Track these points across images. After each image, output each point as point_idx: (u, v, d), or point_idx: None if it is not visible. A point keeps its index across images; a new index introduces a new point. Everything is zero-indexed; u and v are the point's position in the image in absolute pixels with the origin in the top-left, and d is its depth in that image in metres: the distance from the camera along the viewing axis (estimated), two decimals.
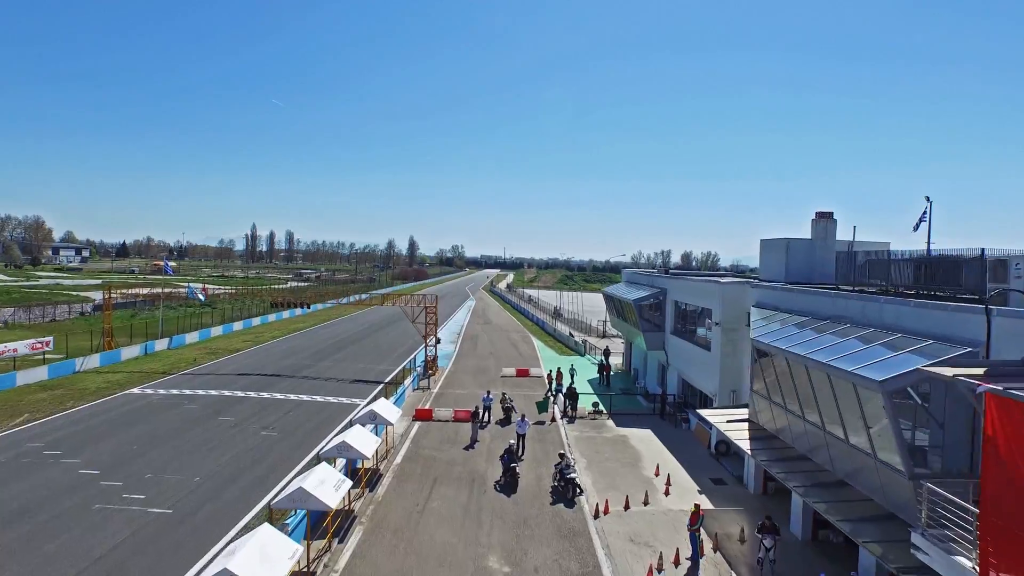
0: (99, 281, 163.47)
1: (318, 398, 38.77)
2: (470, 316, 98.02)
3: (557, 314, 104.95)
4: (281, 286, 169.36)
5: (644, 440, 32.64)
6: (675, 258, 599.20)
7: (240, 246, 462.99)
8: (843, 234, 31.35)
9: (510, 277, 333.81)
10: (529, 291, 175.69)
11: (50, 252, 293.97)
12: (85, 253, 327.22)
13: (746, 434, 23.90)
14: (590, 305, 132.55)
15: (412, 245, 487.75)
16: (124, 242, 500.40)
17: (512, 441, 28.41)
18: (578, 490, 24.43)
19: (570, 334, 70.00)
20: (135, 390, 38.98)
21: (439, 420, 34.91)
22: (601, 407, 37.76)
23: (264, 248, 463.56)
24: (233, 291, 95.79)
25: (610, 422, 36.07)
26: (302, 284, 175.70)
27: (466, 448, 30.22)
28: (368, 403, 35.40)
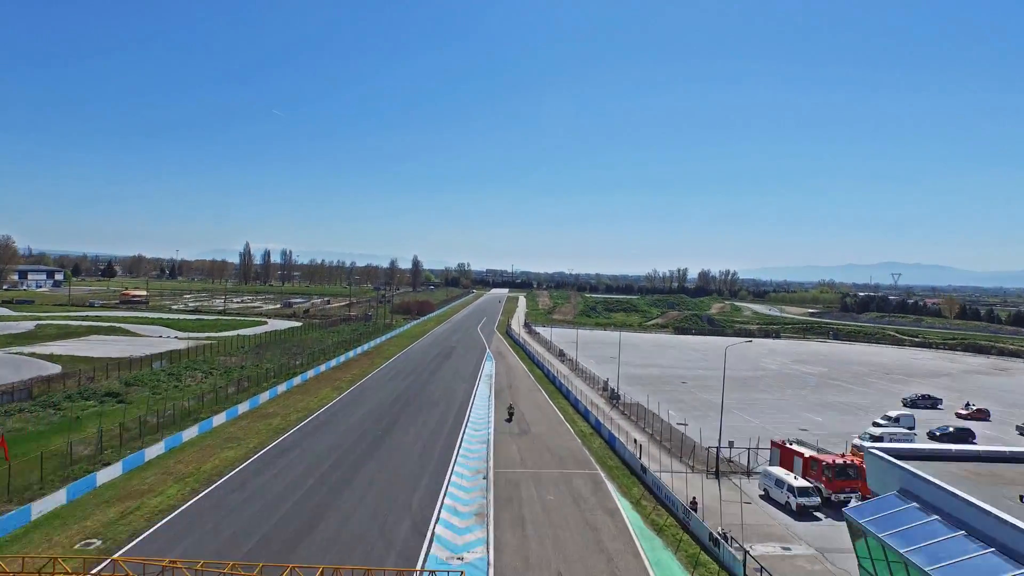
0: (33, 324, 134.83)
1: None
2: (493, 407, 68.39)
3: (613, 398, 75.40)
4: (255, 329, 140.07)
5: None
6: (692, 275, 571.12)
7: (236, 260, 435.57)
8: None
9: (523, 304, 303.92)
10: (554, 335, 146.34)
11: (16, 276, 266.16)
12: (59, 276, 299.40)
13: None
14: (634, 362, 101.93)
15: (416, 264, 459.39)
16: (110, 262, 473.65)
17: None
18: None
19: (701, 518, 39.98)
20: None
21: None
22: None
23: (259, 262, 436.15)
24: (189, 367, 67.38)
25: None
26: (282, 326, 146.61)
27: None
28: None
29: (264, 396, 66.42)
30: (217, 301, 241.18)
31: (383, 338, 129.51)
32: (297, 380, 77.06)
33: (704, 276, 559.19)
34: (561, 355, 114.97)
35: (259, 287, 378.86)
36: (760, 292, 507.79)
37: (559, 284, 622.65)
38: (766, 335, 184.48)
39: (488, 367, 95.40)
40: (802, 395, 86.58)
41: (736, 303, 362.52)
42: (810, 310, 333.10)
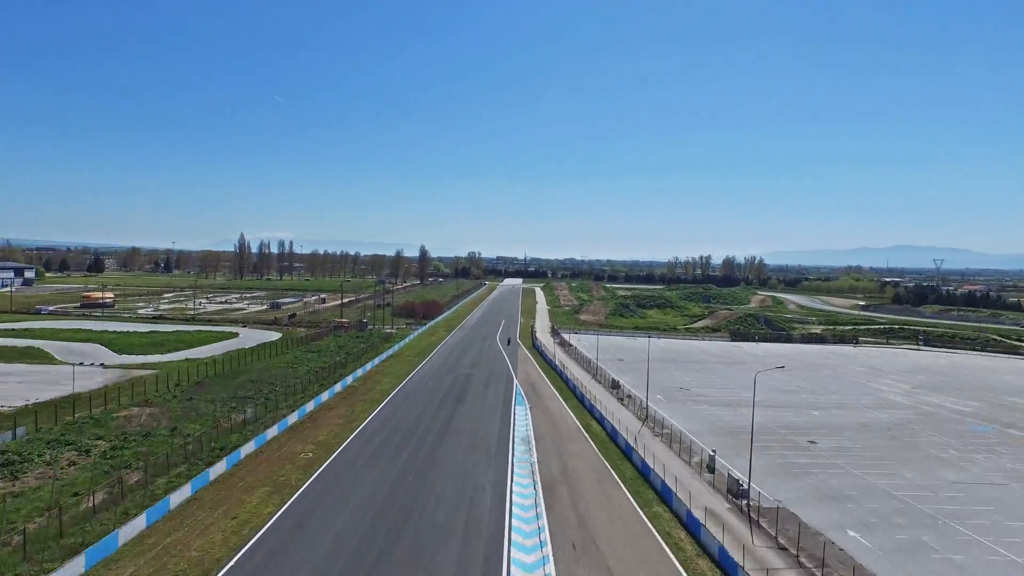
0: None
1: None
2: (549, 543, 38.58)
3: (739, 498, 45.26)
4: (217, 346, 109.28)
5: None
6: (716, 262, 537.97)
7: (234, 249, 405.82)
8: None
9: (542, 299, 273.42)
10: (592, 346, 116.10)
11: None
12: (30, 273, 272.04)
13: None
14: (710, 395, 72.00)
15: (423, 254, 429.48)
16: (98, 256, 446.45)
17: None
18: None
19: None
20: None
21: None
22: None
23: (257, 252, 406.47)
24: None
25: None
26: (253, 340, 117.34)
27: None
28: None
29: (135, 525, 36.66)
30: (200, 301, 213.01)
31: (377, 360, 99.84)
32: (218, 468, 47.23)
33: (729, 263, 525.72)
34: (615, 387, 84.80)
35: (253, 281, 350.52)
36: (792, 280, 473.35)
37: (575, 273, 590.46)
38: (841, 340, 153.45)
39: (522, 420, 65.25)
40: (1003, 465, 56.15)
41: (775, 295, 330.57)
42: (859, 302, 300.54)
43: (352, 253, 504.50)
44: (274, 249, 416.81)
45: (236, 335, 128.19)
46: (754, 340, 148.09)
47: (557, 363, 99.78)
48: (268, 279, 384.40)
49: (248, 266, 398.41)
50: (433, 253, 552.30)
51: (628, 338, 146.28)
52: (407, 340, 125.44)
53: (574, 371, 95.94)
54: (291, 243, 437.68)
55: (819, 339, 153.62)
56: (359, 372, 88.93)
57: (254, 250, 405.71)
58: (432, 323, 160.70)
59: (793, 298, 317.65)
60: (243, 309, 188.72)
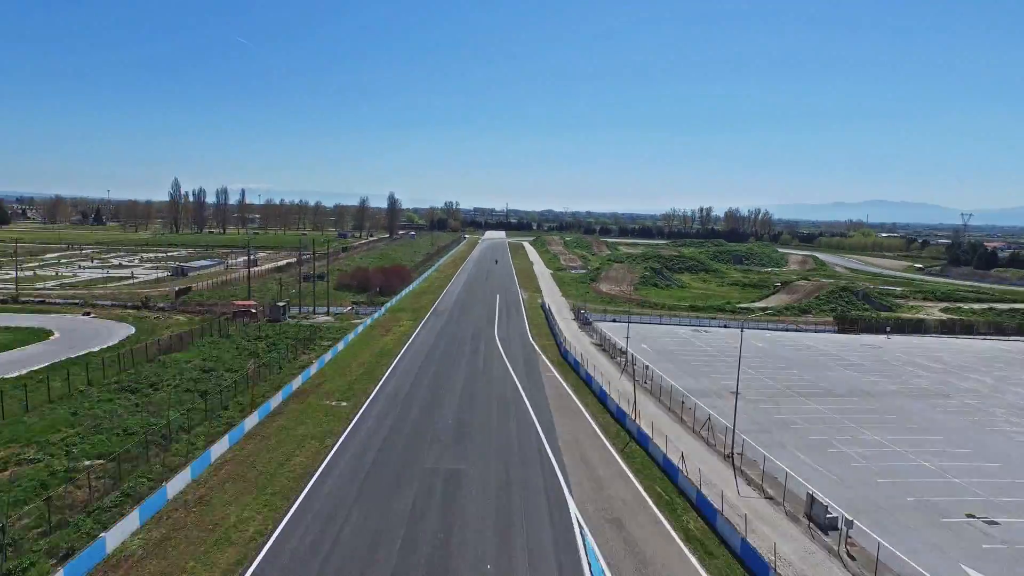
0: None
1: None
2: None
3: None
4: (12, 355, 55.39)
5: None
6: (717, 214, 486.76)
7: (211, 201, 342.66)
8: None
9: (536, 258, 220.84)
10: (671, 350, 64.86)
11: None
12: None
13: None
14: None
15: (393, 203, 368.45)
16: (1, 206, 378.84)
17: None
18: None
19: None
20: None
21: None
22: None
23: (195, 202, 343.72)
24: None
25: None
26: (64, 349, 63.79)
27: None
28: None
29: None
30: (82, 264, 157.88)
31: (257, 417, 47.02)
32: None
33: (733, 216, 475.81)
34: (824, 525, 33.24)
35: (185, 236, 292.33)
36: (806, 236, 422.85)
37: (561, 225, 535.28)
38: (999, 331, 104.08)
39: None
40: None
41: (813, 254, 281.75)
42: (916, 264, 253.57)
43: (312, 203, 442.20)
44: (212, 199, 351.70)
45: (48, 335, 74.51)
46: (885, 332, 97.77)
47: (641, 428, 47.40)
48: (210, 233, 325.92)
49: (186, 218, 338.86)
50: (407, 204, 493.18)
51: (696, 330, 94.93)
52: (341, 346, 72.54)
53: (693, 455, 44.14)
54: (243, 192, 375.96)
55: (966, 327, 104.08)
56: (179, 481, 35.94)
57: (214, 200, 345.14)
58: (394, 301, 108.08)
59: (831, 259, 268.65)
60: (131, 277, 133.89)
